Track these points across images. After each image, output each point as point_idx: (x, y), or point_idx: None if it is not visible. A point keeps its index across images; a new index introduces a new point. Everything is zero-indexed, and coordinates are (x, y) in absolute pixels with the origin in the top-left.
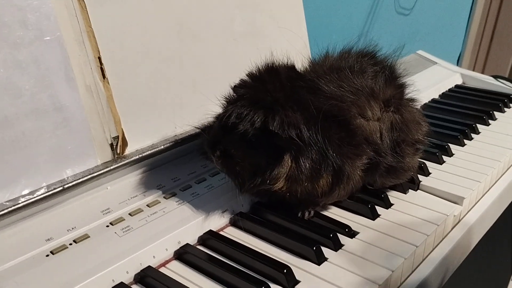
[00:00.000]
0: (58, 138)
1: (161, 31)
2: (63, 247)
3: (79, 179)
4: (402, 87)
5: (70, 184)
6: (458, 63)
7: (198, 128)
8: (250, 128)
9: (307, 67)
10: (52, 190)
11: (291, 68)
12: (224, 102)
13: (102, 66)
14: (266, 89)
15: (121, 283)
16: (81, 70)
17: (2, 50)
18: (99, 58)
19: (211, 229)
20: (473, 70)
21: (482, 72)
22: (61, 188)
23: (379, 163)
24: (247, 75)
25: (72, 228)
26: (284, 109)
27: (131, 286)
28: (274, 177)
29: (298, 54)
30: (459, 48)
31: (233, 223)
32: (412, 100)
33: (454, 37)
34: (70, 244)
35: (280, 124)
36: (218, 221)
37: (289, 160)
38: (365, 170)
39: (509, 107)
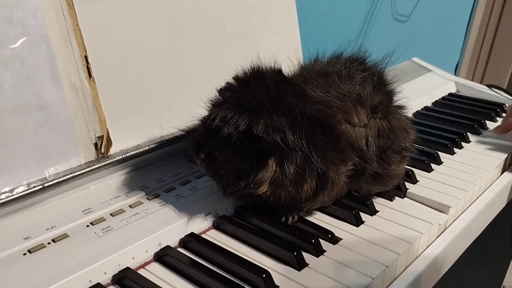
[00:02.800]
0: (41, 136)
1: (150, 31)
2: (41, 246)
3: (60, 178)
4: (390, 94)
5: (50, 183)
6: (456, 72)
7: (183, 130)
8: (235, 132)
9: (295, 71)
10: (31, 188)
11: (277, 72)
12: (209, 105)
13: (89, 65)
14: (252, 93)
15: (98, 283)
16: (67, 69)
17: None
18: (86, 57)
19: (193, 231)
20: (472, 80)
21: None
22: (41, 186)
23: (364, 170)
24: (233, 78)
25: (52, 227)
26: (268, 113)
27: (108, 287)
28: (258, 181)
29: (289, 59)
30: (456, 57)
31: (216, 226)
32: (400, 107)
33: (452, 46)
34: (49, 243)
35: (265, 128)
36: (200, 224)
37: (274, 165)
38: (350, 176)
39: (501, 117)
